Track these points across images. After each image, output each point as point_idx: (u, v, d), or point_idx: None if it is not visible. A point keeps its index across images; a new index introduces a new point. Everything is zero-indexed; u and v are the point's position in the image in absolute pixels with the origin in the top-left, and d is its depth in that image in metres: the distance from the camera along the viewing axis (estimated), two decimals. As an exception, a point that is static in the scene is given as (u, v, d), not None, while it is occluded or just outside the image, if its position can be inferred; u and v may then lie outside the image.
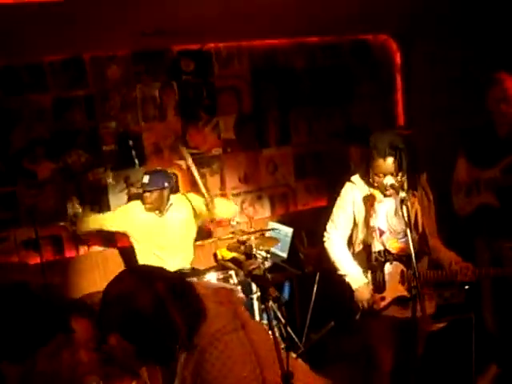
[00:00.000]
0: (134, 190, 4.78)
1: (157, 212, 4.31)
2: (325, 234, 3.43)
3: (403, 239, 3.16)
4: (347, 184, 3.35)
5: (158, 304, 1.65)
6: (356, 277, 3.27)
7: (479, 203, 3.72)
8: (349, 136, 5.46)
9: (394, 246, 3.21)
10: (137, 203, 4.38)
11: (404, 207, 2.83)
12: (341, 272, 3.32)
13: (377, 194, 3.22)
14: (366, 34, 5.63)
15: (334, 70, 5.55)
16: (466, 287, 3.97)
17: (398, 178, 3.05)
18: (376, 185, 3.18)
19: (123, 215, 4.33)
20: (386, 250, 3.22)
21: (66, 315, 1.76)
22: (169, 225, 4.35)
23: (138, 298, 1.64)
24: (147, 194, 4.23)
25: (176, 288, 1.72)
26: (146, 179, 4.22)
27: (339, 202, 3.37)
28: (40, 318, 1.65)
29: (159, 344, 1.66)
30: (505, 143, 3.60)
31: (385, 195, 3.18)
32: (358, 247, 3.30)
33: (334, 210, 3.40)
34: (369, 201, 3.23)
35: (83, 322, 1.80)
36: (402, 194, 2.87)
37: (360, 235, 3.29)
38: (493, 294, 3.90)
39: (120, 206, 4.52)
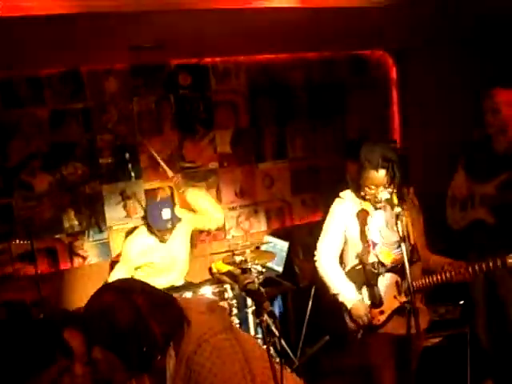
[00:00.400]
0: (131, 203, 4.79)
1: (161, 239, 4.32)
2: (315, 252, 3.39)
3: (396, 250, 3.14)
4: (336, 200, 3.33)
5: (137, 316, 1.69)
6: (349, 295, 3.23)
7: (474, 218, 3.72)
8: (345, 151, 5.48)
9: (387, 257, 3.19)
10: (142, 231, 4.36)
11: (399, 222, 2.83)
12: (333, 291, 3.29)
13: (368, 207, 3.20)
14: (363, 49, 5.68)
15: (331, 85, 5.59)
16: (461, 303, 3.97)
17: (390, 190, 3.03)
18: (368, 197, 3.15)
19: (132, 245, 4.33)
20: (379, 262, 3.19)
21: (59, 328, 1.77)
22: (170, 248, 4.36)
23: (117, 311, 1.69)
24: (169, 230, 4.21)
25: (154, 299, 1.76)
26: (167, 214, 4.14)
27: (329, 219, 3.35)
28: (39, 341, 1.67)
29: (141, 354, 1.69)
30: (502, 159, 3.61)
31: (375, 208, 3.17)
32: (352, 262, 3.29)
33: (324, 227, 3.37)
34: (361, 215, 3.21)
35: (78, 335, 1.81)
36: (398, 209, 2.85)
37: (352, 251, 3.27)
38: (486, 311, 3.90)
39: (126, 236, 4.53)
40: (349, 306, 3.22)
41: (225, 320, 1.91)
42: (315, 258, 3.38)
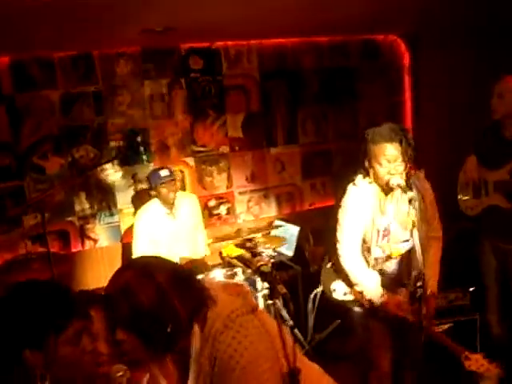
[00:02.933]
0: (142, 187, 4.81)
1: (169, 212, 4.30)
2: (337, 245, 3.22)
3: (403, 244, 3.11)
4: (349, 188, 3.18)
5: (160, 295, 1.67)
6: (375, 291, 3.13)
7: (488, 205, 3.71)
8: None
9: (394, 251, 3.14)
10: (154, 204, 4.35)
11: (411, 207, 2.81)
12: (354, 282, 3.20)
13: (379, 196, 3.11)
14: (376, 34, 5.64)
15: (343, 70, 5.57)
16: (471, 289, 3.97)
17: (402, 173, 2.93)
18: (379, 181, 3.02)
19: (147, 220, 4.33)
20: (387, 256, 3.16)
21: (86, 305, 1.77)
22: (181, 225, 4.37)
23: (139, 291, 1.66)
24: (171, 184, 4.20)
25: (177, 278, 1.74)
26: (165, 172, 4.17)
27: (345, 210, 3.17)
28: (57, 302, 1.67)
29: (165, 334, 1.67)
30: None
31: (386, 193, 3.08)
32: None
33: (341, 219, 3.19)
34: (376, 202, 3.13)
35: (100, 312, 1.81)
36: (410, 194, 2.82)
37: (367, 238, 3.18)
38: (498, 298, 3.89)
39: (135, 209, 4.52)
40: (376, 301, 3.13)
41: (251, 302, 1.88)
42: (339, 252, 3.22)
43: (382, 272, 3.20)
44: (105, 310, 1.72)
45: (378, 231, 3.13)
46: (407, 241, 3.08)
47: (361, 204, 3.14)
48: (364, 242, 3.19)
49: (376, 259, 3.17)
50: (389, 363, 3.35)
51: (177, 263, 1.84)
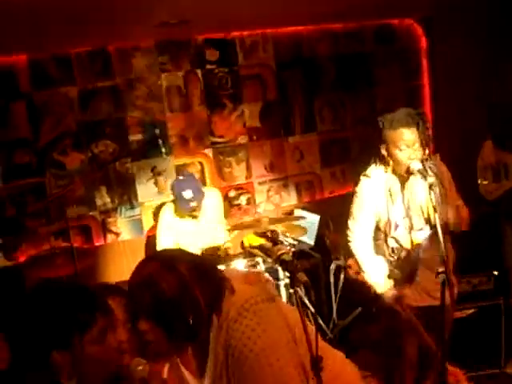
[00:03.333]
0: (162, 180, 4.84)
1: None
2: (347, 232, 3.31)
3: (419, 233, 3.09)
4: (362, 179, 3.21)
5: (182, 286, 1.69)
6: (380, 282, 3.20)
7: (509, 187, 3.67)
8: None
9: (408, 241, 3.13)
10: (170, 208, 4.37)
11: (432, 192, 2.78)
12: (365, 274, 3.27)
13: (395, 183, 3.10)
14: (392, 18, 5.58)
15: (359, 56, 5.53)
16: (495, 273, 3.94)
17: (421, 158, 2.90)
18: (399, 167, 3.01)
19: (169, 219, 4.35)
20: (400, 247, 3.16)
21: (103, 296, 1.79)
22: (204, 223, 4.38)
23: (162, 281, 1.68)
24: (195, 209, 4.20)
25: (198, 268, 1.76)
26: (188, 194, 4.11)
27: (356, 199, 3.23)
28: (79, 302, 1.69)
29: (187, 324, 1.69)
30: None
31: (403, 181, 3.08)
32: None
33: (353, 208, 3.26)
34: (387, 193, 3.12)
35: (120, 301, 1.83)
36: (431, 180, 2.79)
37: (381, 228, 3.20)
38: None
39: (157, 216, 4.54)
40: (378, 291, 3.20)
41: (268, 291, 1.89)
42: (349, 239, 3.32)
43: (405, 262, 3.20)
44: (128, 300, 1.75)
45: (391, 222, 3.13)
46: (421, 229, 3.07)
47: (372, 195, 3.15)
48: (380, 231, 3.19)
49: (392, 249, 3.17)
50: (416, 350, 3.34)
51: (198, 255, 1.86)
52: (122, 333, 1.78)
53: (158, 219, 4.46)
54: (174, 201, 4.34)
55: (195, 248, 4.26)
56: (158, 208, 4.66)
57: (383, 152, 3.07)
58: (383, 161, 3.12)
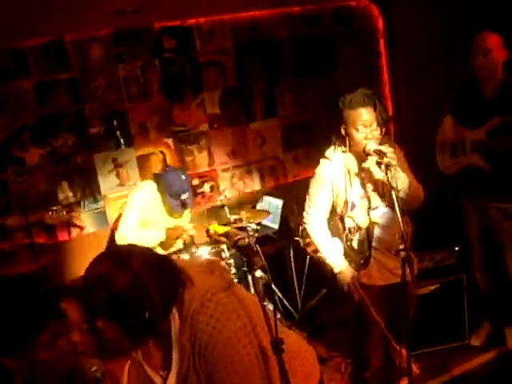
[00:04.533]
0: (123, 171, 4.80)
1: None
2: (304, 214, 3.35)
3: (375, 211, 3.14)
4: (322, 161, 3.23)
5: (135, 282, 1.67)
6: (337, 262, 3.23)
7: (466, 164, 3.72)
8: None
9: (365, 220, 3.17)
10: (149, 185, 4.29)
11: (389, 172, 2.83)
12: (322, 254, 3.30)
13: (352, 164, 3.14)
14: (348, 0, 5.60)
15: (318, 39, 5.53)
16: (456, 248, 4.01)
17: (379, 138, 2.98)
18: (356, 147, 3.04)
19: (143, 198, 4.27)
20: (356, 226, 3.19)
21: (56, 299, 1.78)
22: None
23: (114, 279, 1.66)
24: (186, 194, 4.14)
25: (151, 263, 1.75)
26: (186, 196, 4.08)
27: (315, 182, 3.25)
28: (30, 308, 1.68)
29: (143, 320, 1.68)
30: (490, 104, 3.59)
31: (360, 161, 3.10)
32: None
33: (311, 190, 3.28)
34: (345, 176, 3.15)
35: (74, 304, 1.82)
36: (386, 160, 2.84)
37: (338, 209, 3.23)
38: (482, 255, 3.94)
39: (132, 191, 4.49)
40: (335, 271, 3.23)
41: (225, 279, 1.91)
42: (304, 220, 3.35)
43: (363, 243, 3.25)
44: (82, 300, 1.73)
45: (348, 202, 3.16)
46: (377, 207, 3.11)
47: (331, 176, 3.18)
48: (336, 212, 3.23)
49: (349, 229, 3.21)
50: (382, 328, 3.40)
51: (151, 250, 1.85)
52: (77, 334, 1.77)
53: (128, 197, 4.39)
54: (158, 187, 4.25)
55: (160, 223, 4.24)
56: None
57: (342, 132, 3.11)
58: (342, 141, 3.15)
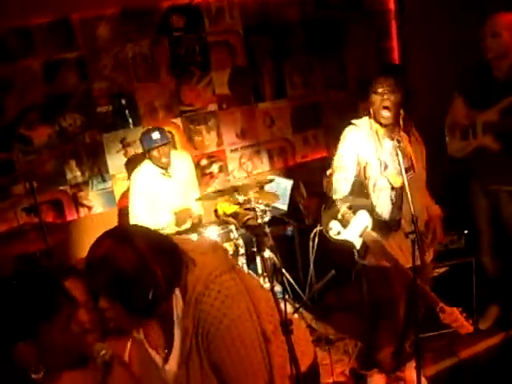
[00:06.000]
0: (131, 151, 4.79)
1: (163, 172, 4.31)
2: (329, 172, 3.32)
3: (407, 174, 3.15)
4: (348, 127, 3.31)
5: (139, 261, 1.68)
6: (363, 215, 3.24)
7: (476, 146, 3.69)
8: (358, 89, 5.41)
9: (396, 180, 3.17)
10: (148, 164, 4.35)
11: (399, 153, 2.84)
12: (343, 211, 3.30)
13: (379, 130, 3.21)
14: (360, -20, 5.53)
15: (328, 20, 5.46)
16: (465, 232, 3.99)
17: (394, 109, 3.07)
18: (376, 114, 3.15)
19: (142, 181, 4.34)
20: (390, 185, 3.19)
21: (61, 280, 1.77)
22: (177, 184, 4.38)
23: (118, 258, 1.67)
24: (162, 148, 4.21)
25: (155, 243, 1.76)
26: (156, 135, 4.17)
27: (341, 144, 3.31)
28: (43, 290, 1.68)
29: (146, 299, 1.70)
30: (502, 85, 3.55)
31: (383, 125, 3.18)
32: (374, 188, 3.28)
33: (338, 152, 3.31)
34: (374, 137, 3.22)
35: (79, 283, 1.82)
36: (395, 143, 2.88)
37: (370, 174, 3.24)
38: (491, 238, 3.92)
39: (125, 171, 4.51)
40: (361, 227, 3.24)
41: (228, 260, 1.92)
42: (332, 180, 3.29)
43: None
44: (86, 279, 1.73)
45: (381, 161, 3.19)
46: (408, 172, 3.11)
47: (358, 138, 3.24)
48: (365, 177, 3.23)
49: (380, 189, 3.22)
50: (403, 312, 3.40)
51: (154, 230, 1.85)
52: (84, 313, 1.77)
53: (130, 178, 4.44)
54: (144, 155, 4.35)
55: (169, 209, 4.27)
56: (130, 164, 4.68)
57: (367, 105, 3.21)
58: (367, 112, 3.25)
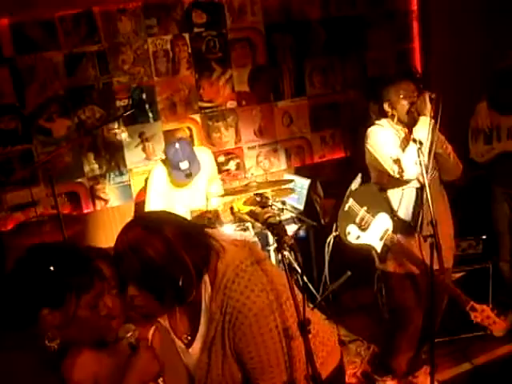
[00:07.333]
0: (149, 146, 4.80)
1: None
2: (391, 167, 3.19)
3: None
4: (373, 128, 3.32)
5: (168, 249, 1.69)
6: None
7: (500, 151, 3.65)
8: (368, 90, 5.37)
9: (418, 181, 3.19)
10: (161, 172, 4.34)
11: (421, 154, 2.83)
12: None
13: (402, 132, 3.24)
14: (382, -20, 5.49)
15: (349, 19, 5.43)
16: (484, 237, 3.95)
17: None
18: (401, 116, 3.17)
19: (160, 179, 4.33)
20: (419, 182, 3.19)
21: (92, 260, 1.78)
22: (195, 182, 4.36)
23: (147, 246, 1.68)
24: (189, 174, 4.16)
25: (184, 230, 1.76)
26: (185, 165, 4.09)
27: (378, 139, 3.28)
28: (79, 264, 1.68)
29: (176, 286, 1.70)
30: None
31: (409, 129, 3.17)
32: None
33: (380, 147, 3.25)
34: (400, 135, 3.25)
35: (107, 267, 1.82)
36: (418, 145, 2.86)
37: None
38: (511, 244, 3.88)
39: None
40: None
41: (259, 252, 1.94)
42: (402, 168, 3.18)
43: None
44: (115, 266, 1.74)
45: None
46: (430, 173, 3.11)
47: (388, 137, 3.26)
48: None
49: (406, 188, 3.24)
50: (421, 319, 3.38)
51: (182, 217, 1.85)
52: (108, 299, 1.77)
53: (147, 183, 4.43)
54: (164, 163, 4.31)
55: (185, 209, 4.26)
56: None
57: (386, 108, 3.24)
58: (387, 116, 3.27)
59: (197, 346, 1.87)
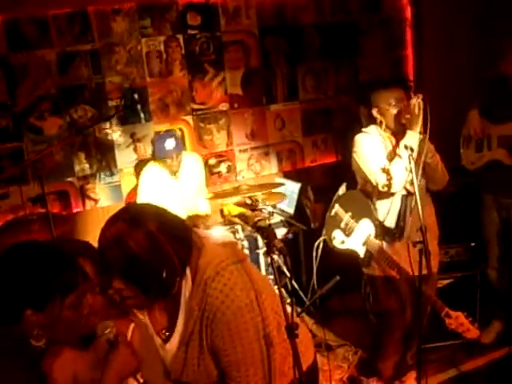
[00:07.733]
0: (141, 146, 4.78)
1: (172, 175, 4.31)
2: (372, 178, 3.21)
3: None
4: (360, 136, 3.31)
5: (151, 242, 1.70)
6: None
7: (491, 159, 3.68)
8: (358, 95, 5.39)
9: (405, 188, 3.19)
10: (154, 167, 4.36)
11: (412, 160, 2.83)
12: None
13: (390, 138, 3.22)
14: (377, -13, 5.51)
15: (343, 25, 5.45)
16: (472, 244, 3.97)
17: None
18: (390, 123, 3.16)
19: (150, 181, 4.34)
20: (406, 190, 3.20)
21: (75, 257, 1.77)
22: (184, 186, 4.37)
23: (131, 240, 1.68)
24: (176, 156, 4.20)
25: (167, 224, 1.77)
26: (170, 144, 4.13)
27: (362, 153, 3.27)
28: (63, 265, 1.68)
29: (160, 279, 1.71)
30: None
31: (397, 137, 3.16)
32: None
33: (360, 156, 3.26)
34: (386, 143, 3.24)
35: (89, 265, 1.82)
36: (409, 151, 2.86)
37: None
38: (499, 251, 3.90)
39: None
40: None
41: (240, 253, 1.95)
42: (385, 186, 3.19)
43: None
44: (99, 260, 1.74)
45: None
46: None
47: (373, 143, 3.24)
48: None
49: (393, 195, 3.22)
50: (408, 322, 3.39)
51: (166, 210, 1.85)
52: (90, 297, 1.77)
53: (138, 180, 4.43)
54: (154, 158, 4.33)
55: (176, 211, 4.25)
56: (139, 166, 4.65)
57: (374, 114, 3.23)
58: (375, 122, 3.26)
59: (174, 341, 1.87)
